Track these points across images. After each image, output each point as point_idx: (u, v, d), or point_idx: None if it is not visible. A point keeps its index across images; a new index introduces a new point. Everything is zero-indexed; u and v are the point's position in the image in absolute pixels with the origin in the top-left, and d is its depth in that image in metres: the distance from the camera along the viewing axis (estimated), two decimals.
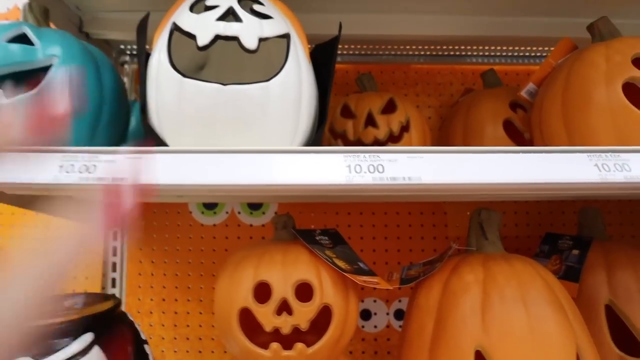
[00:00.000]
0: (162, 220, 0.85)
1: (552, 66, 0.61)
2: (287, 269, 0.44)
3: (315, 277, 0.45)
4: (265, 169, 0.36)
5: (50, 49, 0.44)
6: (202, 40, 0.40)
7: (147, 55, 0.45)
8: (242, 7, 0.44)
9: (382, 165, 0.37)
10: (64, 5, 0.68)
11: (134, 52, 0.87)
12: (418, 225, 0.82)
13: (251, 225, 0.84)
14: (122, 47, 0.85)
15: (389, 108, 0.69)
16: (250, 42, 0.41)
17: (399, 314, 0.81)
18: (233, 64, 0.41)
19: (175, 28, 0.43)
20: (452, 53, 0.84)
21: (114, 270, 0.84)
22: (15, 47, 0.43)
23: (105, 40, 0.79)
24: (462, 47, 0.83)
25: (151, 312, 0.83)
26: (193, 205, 0.85)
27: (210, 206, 0.84)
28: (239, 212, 0.84)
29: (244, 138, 0.41)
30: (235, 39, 0.41)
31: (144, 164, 0.36)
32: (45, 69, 0.43)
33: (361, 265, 0.50)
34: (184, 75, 0.40)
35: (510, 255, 0.50)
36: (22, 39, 0.44)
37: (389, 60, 0.85)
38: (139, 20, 0.48)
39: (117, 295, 0.83)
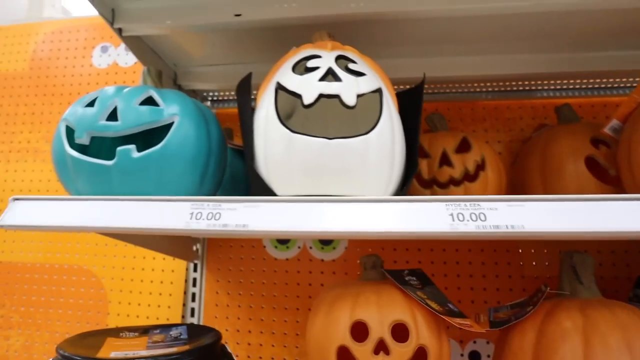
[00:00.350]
0: (238, 253, 0.90)
1: (637, 102, 0.60)
2: (382, 310, 0.46)
3: (410, 318, 0.46)
4: (373, 217, 0.39)
5: (172, 108, 0.51)
6: (308, 99, 0.45)
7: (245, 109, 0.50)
8: (339, 66, 0.48)
9: (483, 214, 0.39)
10: (165, 63, 0.78)
11: (214, 99, 0.96)
12: (492, 263, 0.81)
13: (322, 260, 0.87)
14: (204, 94, 0.94)
15: (463, 147, 0.70)
16: (350, 99, 0.45)
17: (474, 356, 0.78)
18: (335, 119, 0.44)
19: (280, 87, 0.48)
20: (521, 88, 0.85)
21: (193, 300, 0.89)
22: (145, 108, 0.50)
23: (192, 90, 0.88)
24: (532, 82, 0.83)
25: (226, 343, 0.86)
26: (267, 239, 0.89)
27: (283, 241, 0.88)
28: (311, 247, 0.87)
29: (345, 187, 0.44)
30: (336, 96, 0.45)
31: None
32: (168, 126, 0.50)
33: (451, 306, 0.50)
34: (292, 131, 0.44)
35: (610, 302, 0.48)
36: (149, 100, 0.51)
37: (455, 98, 0.87)
38: (242, 79, 0.54)
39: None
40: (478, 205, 0.39)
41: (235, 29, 0.67)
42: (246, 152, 0.50)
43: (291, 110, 0.47)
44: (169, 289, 0.90)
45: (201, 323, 0.89)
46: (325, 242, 0.87)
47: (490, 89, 0.86)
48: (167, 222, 0.41)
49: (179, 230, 0.40)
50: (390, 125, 0.47)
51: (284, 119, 0.46)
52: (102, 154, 0.50)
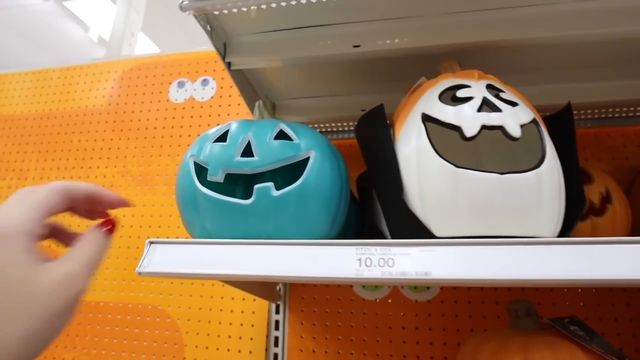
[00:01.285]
0: (323, 293, 0.84)
1: None
2: None
3: None
4: (564, 261, 0.34)
5: (306, 143, 0.48)
6: (470, 131, 0.41)
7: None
8: (491, 95, 0.45)
9: None
10: (258, 96, 0.77)
11: None
12: (607, 305, 0.73)
13: (416, 301, 0.80)
14: None
15: (583, 178, 0.65)
16: (515, 130, 0.41)
17: None
18: (500, 152, 0.41)
19: (428, 118, 0.45)
20: (624, 115, 0.80)
21: (276, 345, 0.83)
22: (281, 143, 0.47)
23: None
24: (638, 108, 0.78)
25: None
26: None
27: None
28: (402, 287, 0.82)
29: (516, 227, 0.39)
30: (499, 127, 0.42)
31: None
32: (305, 161, 0.47)
33: None
34: (456, 165, 0.40)
35: None
36: (281, 135, 0.49)
37: None
38: (372, 110, 0.51)
39: None
40: None
41: (327, 62, 0.65)
42: (388, 188, 0.46)
43: (471, 152, 0.42)
44: (249, 333, 0.85)
45: None
46: None
47: (589, 116, 0.81)
48: (334, 270, 0.37)
49: (350, 279, 0.36)
50: (554, 157, 0.43)
51: (465, 160, 0.41)
52: (216, 189, 0.47)
